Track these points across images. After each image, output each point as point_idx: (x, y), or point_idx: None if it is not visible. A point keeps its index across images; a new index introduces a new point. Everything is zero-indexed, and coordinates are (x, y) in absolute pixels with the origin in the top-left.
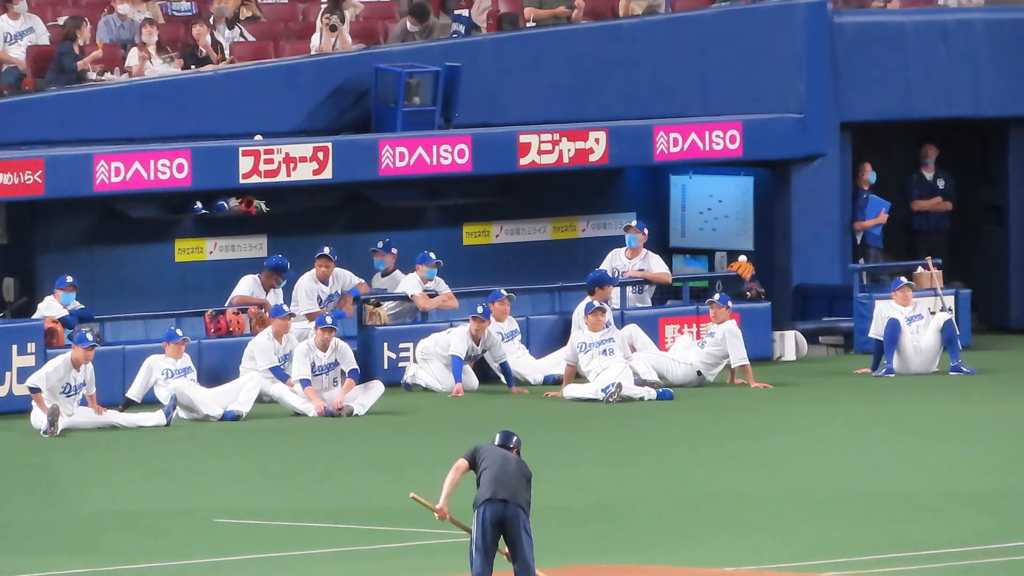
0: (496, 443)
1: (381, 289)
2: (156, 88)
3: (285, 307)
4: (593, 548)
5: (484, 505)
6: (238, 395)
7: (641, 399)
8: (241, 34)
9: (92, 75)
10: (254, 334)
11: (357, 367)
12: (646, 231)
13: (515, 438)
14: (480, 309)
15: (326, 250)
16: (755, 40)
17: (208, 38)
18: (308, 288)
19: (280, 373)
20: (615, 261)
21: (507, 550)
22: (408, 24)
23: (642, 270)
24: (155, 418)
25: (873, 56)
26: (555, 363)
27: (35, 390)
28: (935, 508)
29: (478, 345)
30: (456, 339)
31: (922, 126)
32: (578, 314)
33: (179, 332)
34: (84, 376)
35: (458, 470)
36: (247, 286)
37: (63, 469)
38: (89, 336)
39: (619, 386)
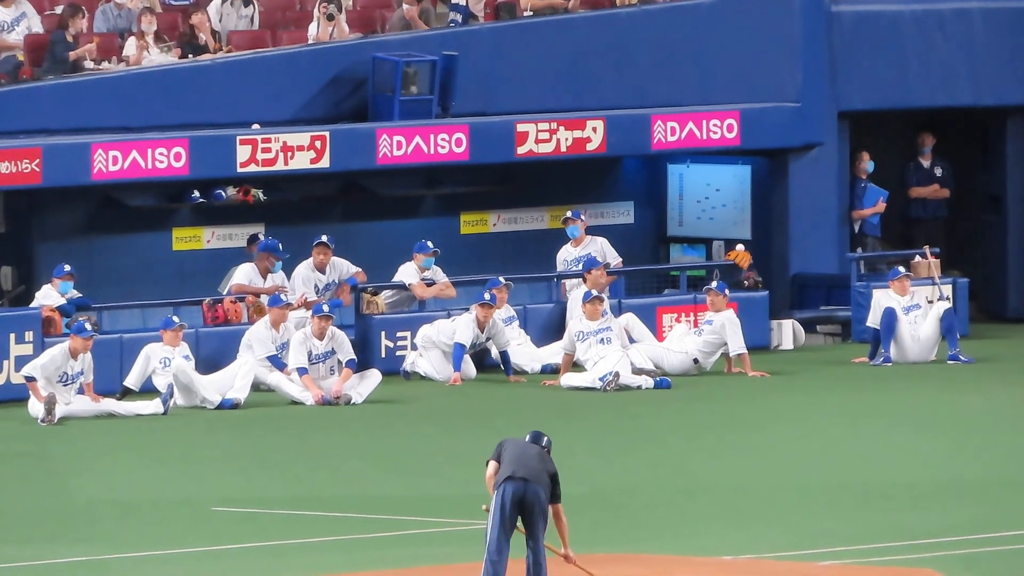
0: (527, 440)
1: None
2: (154, 77)
3: (283, 296)
4: (590, 537)
5: (504, 484)
6: (234, 381)
7: (639, 388)
8: (254, 13)
9: (88, 64)
10: (251, 323)
11: (354, 357)
12: (583, 217)
13: (546, 439)
14: (487, 296)
15: (324, 238)
16: (752, 29)
17: (207, 25)
18: (305, 276)
19: (277, 362)
20: (564, 255)
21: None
22: (405, 4)
23: (591, 255)
24: (152, 406)
25: (871, 45)
26: (554, 352)
27: (30, 379)
28: (933, 497)
29: (483, 332)
30: (462, 327)
31: (920, 115)
32: (574, 302)
33: (175, 319)
34: (82, 365)
35: (491, 478)
36: (244, 274)
37: (60, 457)
38: (88, 326)
39: (616, 375)
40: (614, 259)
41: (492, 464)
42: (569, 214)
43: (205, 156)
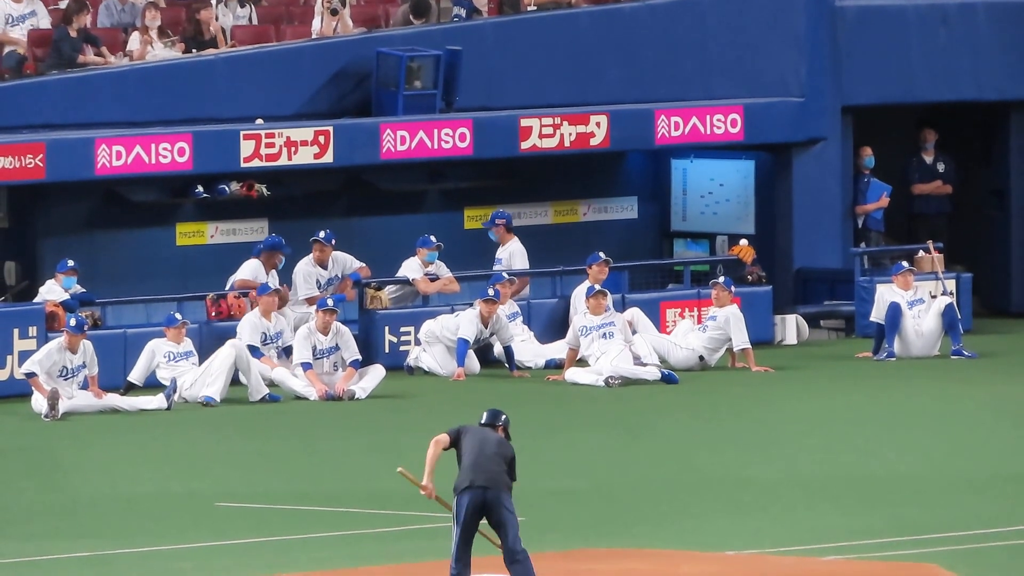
0: (483, 422)
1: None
2: (157, 72)
3: (271, 285)
4: (593, 531)
5: (464, 493)
6: (210, 378)
7: (643, 380)
8: (251, 13)
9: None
10: None
11: (359, 356)
12: (498, 221)
13: (503, 416)
14: (491, 291)
15: (321, 234)
16: (756, 24)
17: (215, 21)
18: (306, 272)
19: (256, 352)
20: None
21: (495, 539)
22: (411, 19)
23: (501, 261)
24: (156, 401)
25: (874, 40)
26: (559, 349)
27: (31, 375)
28: (936, 492)
29: (487, 328)
30: (466, 322)
31: (923, 110)
32: (576, 297)
33: (178, 316)
34: (83, 358)
35: (438, 443)
36: (249, 270)
37: (64, 453)
38: (72, 321)
39: (622, 379)
40: (519, 265)
41: (445, 438)
42: (484, 222)
43: (209, 151)
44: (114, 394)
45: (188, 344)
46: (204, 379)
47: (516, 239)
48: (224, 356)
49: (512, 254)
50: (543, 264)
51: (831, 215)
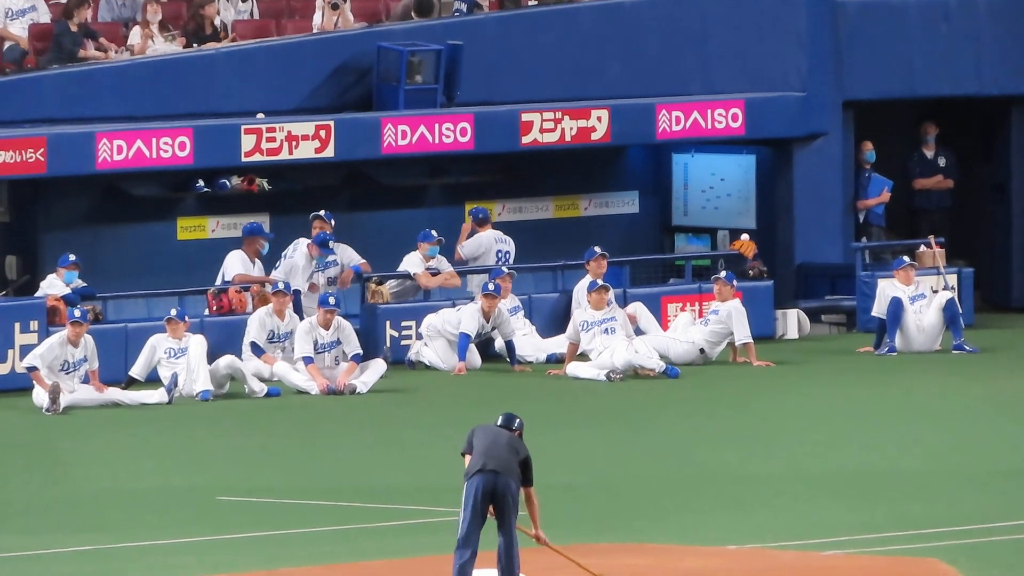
0: (498, 424)
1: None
2: (158, 66)
3: (280, 284)
4: (594, 527)
5: (475, 476)
6: (196, 375)
7: (642, 369)
8: (252, 8)
9: (93, 50)
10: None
11: (360, 351)
12: (468, 213)
13: (517, 420)
14: (491, 286)
15: (322, 213)
16: (757, 18)
17: (217, 17)
18: (303, 252)
19: (257, 350)
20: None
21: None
22: (414, 16)
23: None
24: (157, 396)
25: (876, 34)
26: (560, 343)
27: (32, 369)
28: (937, 487)
29: (488, 322)
30: (467, 317)
31: (925, 105)
32: (578, 291)
33: (172, 312)
34: (85, 352)
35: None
36: (237, 261)
37: (65, 447)
38: (76, 313)
39: (623, 373)
40: (466, 255)
41: (468, 458)
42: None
43: (210, 145)
44: (115, 388)
45: (189, 340)
46: (190, 377)
47: (491, 232)
48: (196, 344)
49: (470, 243)
50: (544, 259)
51: (832, 210)
